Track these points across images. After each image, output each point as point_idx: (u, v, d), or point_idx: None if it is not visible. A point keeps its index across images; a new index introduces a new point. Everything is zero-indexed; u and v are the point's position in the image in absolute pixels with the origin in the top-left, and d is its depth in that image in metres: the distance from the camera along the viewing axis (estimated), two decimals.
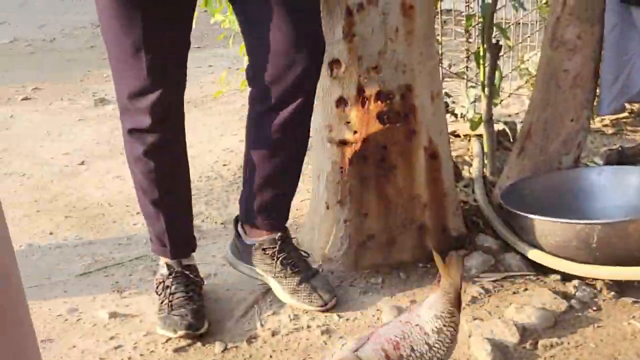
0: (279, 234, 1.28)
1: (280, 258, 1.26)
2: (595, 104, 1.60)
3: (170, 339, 1.18)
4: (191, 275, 1.27)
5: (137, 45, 1.11)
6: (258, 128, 1.23)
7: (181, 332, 1.17)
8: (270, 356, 1.14)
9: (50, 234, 1.73)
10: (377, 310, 1.25)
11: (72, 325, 1.27)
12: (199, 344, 1.17)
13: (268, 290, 1.31)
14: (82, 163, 2.29)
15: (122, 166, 2.26)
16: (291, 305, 1.26)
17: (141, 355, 1.16)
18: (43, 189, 2.06)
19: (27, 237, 1.67)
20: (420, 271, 1.39)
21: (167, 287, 1.25)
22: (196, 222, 1.54)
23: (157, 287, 1.27)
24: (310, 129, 1.28)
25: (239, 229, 1.33)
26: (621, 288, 1.25)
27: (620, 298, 1.22)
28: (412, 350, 0.93)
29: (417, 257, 1.41)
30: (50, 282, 1.41)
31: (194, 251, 1.33)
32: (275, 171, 1.24)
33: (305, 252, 1.35)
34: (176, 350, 1.16)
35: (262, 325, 1.22)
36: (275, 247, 1.27)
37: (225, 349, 1.16)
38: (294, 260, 1.27)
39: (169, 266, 1.27)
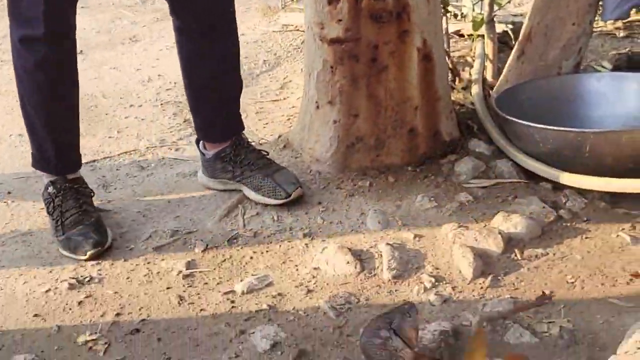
0: (229, 141, 1.17)
1: (238, 161, 1.16)
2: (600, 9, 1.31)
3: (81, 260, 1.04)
4: (80, 188, 1.11)
5: None
6: (184, 52, 1.14)
7: (91, 252, 1.03)
8: (251, 257, 1.00)
9: None
10: (362, 214, 1.09)
11: None
12: (179, 242, 1.03)
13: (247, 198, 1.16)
14: (80, 52, 1.99)
15: (121, 57, 1.98)
16: (263, 202, 1.13)
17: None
18: None
19: (18, 128, 1.46)
20: (409, 175, 1.21)
21: (58, 205, 1.08)
22: None
23: (48, 208, 1.10)
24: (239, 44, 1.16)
25: (200, 147, 1.21)
26: (613, 199, 1.07)
27: (611, 209, 1.04)
28: None
29: (406, 161, 1.23)
30: (37, 174, 1.22)
31: (79, 168, 1.15)
32: (207, 83, 1.14)
33: (264, 151, 1.23)
34: (156, 249, 1.02)
35: (244, 225, 1.07)
36: (230, 153, 1.16)
37: (206, 248, 1.02)
38: (251, 160, 1.17)
39: (54, 183, 1.09)
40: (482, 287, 0.90)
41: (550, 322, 0.80)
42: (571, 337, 0.77)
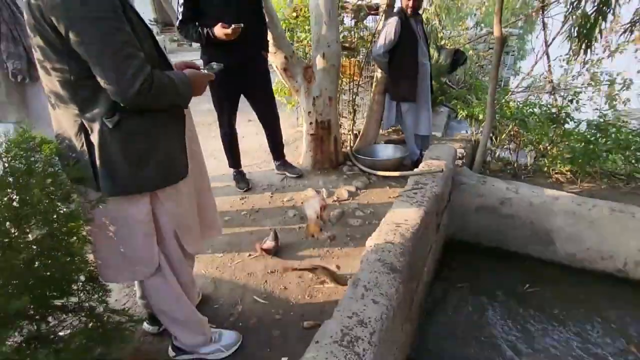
0: (281, 160, 3.51)
1: (284, 165, 3.52)
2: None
3: (242, 191, 3.36)
4: (242, 172, 3.59)
5: None
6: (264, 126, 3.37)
7: (244, 188, 3.39)
8: (288, 192, 3.35)
9: None
10: (318, 181, 3.50)
11: None
12: (269, 189, 3.37)
13: (287, 175, 3.52)
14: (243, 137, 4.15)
15: (255, 137, 4.22)
16: (291, 176, 3.55)
17: None
18: None
19: None
20: (331, 170, 3.69)
21: (236, 176, 3.48)
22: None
23: (234, 178, 3.50)
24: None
25: (274, 162, 3.59)
26: (384, 178, 3.61)
27: (384, 180, 3.58)
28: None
29: (330, 166, 3.73)
30: None
31: (240, 167, 3.53)
32: (272, 137, 3.42)
33: (292, 163, 3.58)
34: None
35: (286, 183, 3.44)
36: (282, 163, 3.53)
37: (276, 189, 3.36)
38: (288, 164, 3.53)
39: (235, 170, 3.50)
40: (349, 200, 3.32)
41: (367, 209, 3.23)
42: (373, 213, 3.20)
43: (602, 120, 3.76)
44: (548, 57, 5.08)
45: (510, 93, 5.24)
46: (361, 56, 4.30)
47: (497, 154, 4.50)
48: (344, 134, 4.47)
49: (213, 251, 2.58)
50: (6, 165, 1.09)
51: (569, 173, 3.61)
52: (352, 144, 4.17)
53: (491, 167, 4.27)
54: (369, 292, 1.75)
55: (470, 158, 4.31)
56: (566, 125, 3.89)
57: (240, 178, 3.38)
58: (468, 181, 3.39)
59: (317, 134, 3.60)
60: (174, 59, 1.74)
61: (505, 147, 4.41)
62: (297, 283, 2.28)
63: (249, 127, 5.08)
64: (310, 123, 3.57)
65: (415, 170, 3.10)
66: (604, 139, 3.56)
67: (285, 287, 2.25)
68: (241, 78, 2.85)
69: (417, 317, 2.51)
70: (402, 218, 2.36)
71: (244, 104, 3.14)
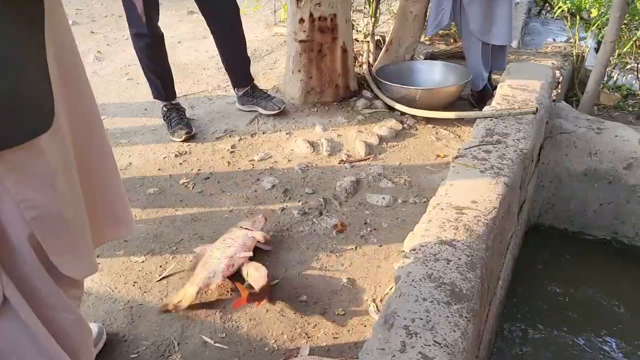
0: (248, 86, 3.22)
1: (254, 95, 3.23)
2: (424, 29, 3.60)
3: (180, 142, 3.04)
4: (179, 107, 3.14)
5: None
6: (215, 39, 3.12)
7: (184, 137, 3.02)
8: (262, 143, 2.99)
9: None
10: (313, 124, 3.14)
11: None
12: (228, 135, 2.99)
13: (260, 113, 3.19)
14: (179, 42, 4.21)
15: (199, 44, 4.27)
16: (266, 113, 3.21)
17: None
18: None
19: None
20: (335, 107, 3.32)
21: (168, 115, 3.08)
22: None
23: (164, 117, 3.11)
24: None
25: (235, 90, 3.27)
26: (428, 120, 3.26)
27: (426, 125, 3.24)
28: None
29: (333, 100, 3.38)
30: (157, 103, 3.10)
31: (175, 98, 3.16)
32: (228, 51, 3.12)
33: (266, 91, 3.30)
34: (217, 138, 2.98)
35: (259, 128, 3.06)
36: (250, 92, 3.22)
37: (240, 139, 2.99)
38: (259, 94, 3.25)
39: (165, 105, 3.10)
40: (368, 160, 2.99)
41: (400, 177, 2.91)
42: (409, 184, 2.88)
43: None
44: None
45: None
46: None
47: (615, 78, 4.17)
48: (359, 41, 4.10)
49: (127, 253, 2.28)
50: None
51: None
52: (371, 60, 3.78)
53: (601, 101, 3.96)
54: (416, 340, 1.47)
55: (566, 85, 3.97)
56: None
57: (176, 118, 3.07)
58: (571, 128, 3.08)
59: (311, 40, 3.20)
60: None
61: (628, 67, 4.08)
62: (279, 311, 2.00)
63: (189, 24, 4.82)
64: (301, 20, 3.17)
65: (486, 109, 2.76)
66: None
67: (258, 319, 1.97)
68: None
69: None
70: (466, 197, 2.05)
71: None
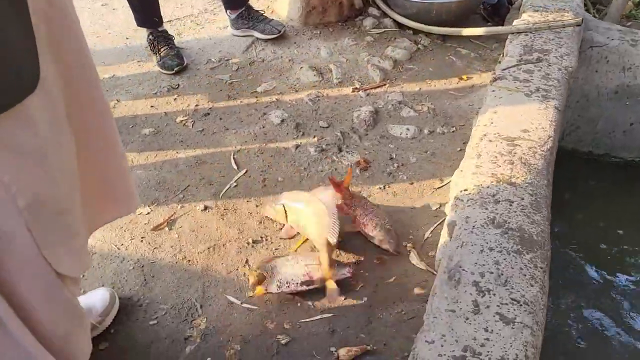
0: (243, 7, 2.86)
1: (249, 17, 2.88)
2: None
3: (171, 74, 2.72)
4: (166, 35, 2.79)
5: None
6: None
7: (176, 68, 2.70)
8: (262, 73, 2.70)
9: None
10: (317, 48, 2.84)
11: None
12: (223, 65, 2.68)
13: (258, 39, 2.87)
14: None
15: None
16: (264, 38, 2.88)
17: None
18: None
19: None
20: (339, 27, 3.01)
21: (155, 45, 2.74)
22: None
23: (150, 46, 2.77)
24: None
25: (227, 12, 2.91)
26: (444, 39, 2.99)
27: (443, 44, 2.97)
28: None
29: (338, 20, 3.05)
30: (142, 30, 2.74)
31: (162, 25, 2.81)
32: None
33: (263, 12, 2.94)
34: (212, 69, 2.67)
35: (257, 55, 2.76)
36: (245, 13, 2.86)
37: (238, 68, 2.69)
38: (256, 15, 2.89)
39: (152, 33, 2.75)
40: (384, 86, 2.73)
41: (422, 105, 2.66)
42: (434, 112, 2.63)
43: None
44: None
45: None
46: None
47: None
48: None
49: None
50: None
51: None
52: None
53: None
54: (489, 298, 1.29)
55: None
56: None
57: (164, 47, 2.75)
58: (603, 40, 2.83)
59: None
60: None
61: None
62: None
63: None
64: None
65: (516, 22, 2.49)
66: None
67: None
68: None
69: None
70: (515, 125, 1.84)
71: None
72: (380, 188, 2.10)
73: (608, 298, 2.28)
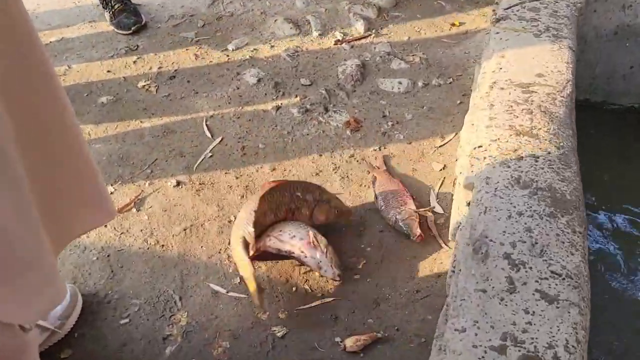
0: None
1: None
2: None
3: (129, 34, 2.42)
4: None
5: None
6: None
7: (133, 28, 2.40)
8: (232, 28, 2.42)
9: None
10: None
11: None
12: (187, 21, 2.39)
13: None
14: None
15: None
16: None
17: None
18: None
19: None
20: None
21: (108, 1, 2.43)
22: None
23: (103, 4, 2.46)
24: None
25: None
26: None
27: None
28: None
29: None
30: None
31: None
32: None
33: None
34: (174, 26, 2.38)
35: (224, 9, 2.46)
36: None
37: (204, 24, 2.40)
38: None
39: None
40: (370, 37, 2.48)
41: (413, 55, 2.42)
42: (427, 63, 2.40)
43: None
44: None
45: None
46: None
47: None
48: None
49: None
50: None
51: None
52: None
53: None
54: (525, 273, 1.09)
55: None
56: None
57: (119, 4, 2.47)
58: None
59: None
60: None
61: None
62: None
63: None
64: None
65: None
66: None
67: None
68: None
69: None
70: (528, 70, 1.63)
71: None
72: (375, 150, 1.88)
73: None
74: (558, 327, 1.01)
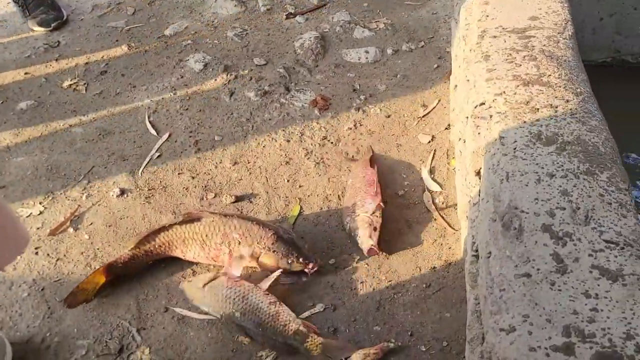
0: None
1: None
2: None
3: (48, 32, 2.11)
4: None
5: None
6: None
7: (53, 24, 2.10)
8: (167, 12, 2.16)
9: None
10: None
11: None
12: (115, 10, 2.10)
13: None
14: None
15: None
16: None
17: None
18: None
19: None
20: None
21: None
22: None
23: (14, 1, 2.12)
24: None
25: None
26: None
27: None
28: None
29: None
30: None
31: None
32: None
33: None
34: (100, 17, 2.08)
35: None
36: None
37: (135, 11, 2.14)
38: None
39: None
40: (326, 5, 2.24)
41: (376, 21, 2.20)
42: (393, 28, 2.18)
43: None
44: None
45: None
46: None
47: None
48: None
49: (11, 204, 1.50)
50: None
51: None
52: None
53: None
54: (574, 247, 0.88)
55: None
56: None
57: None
58: None
59: None
60: None
61: None
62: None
63: None
64: None
65: None
66: None
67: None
68: None
69: None
70: (519, 14, 1.44)
71: None
72: (350, 129, 1.65)
73: None
74: (632, 309, 0.80)
